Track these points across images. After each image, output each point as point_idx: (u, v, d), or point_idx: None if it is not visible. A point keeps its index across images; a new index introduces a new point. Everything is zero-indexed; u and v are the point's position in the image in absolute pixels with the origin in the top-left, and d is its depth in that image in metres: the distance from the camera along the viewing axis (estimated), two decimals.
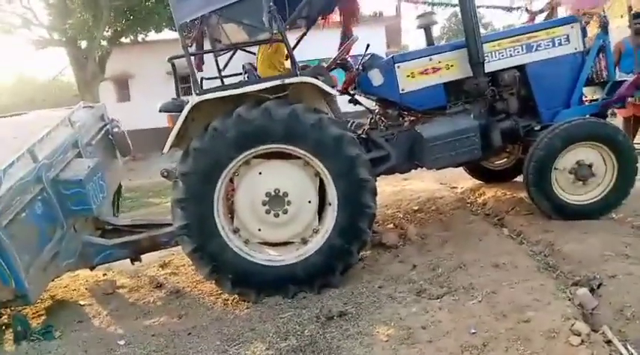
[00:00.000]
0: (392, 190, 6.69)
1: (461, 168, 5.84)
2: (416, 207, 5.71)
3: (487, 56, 4.34)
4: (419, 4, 15.45)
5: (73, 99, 16.94)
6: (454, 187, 6.49)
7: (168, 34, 18.89)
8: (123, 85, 21.58)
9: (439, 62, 4.43)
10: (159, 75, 20.02)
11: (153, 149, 11.26)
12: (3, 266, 3.36)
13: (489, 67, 4.40)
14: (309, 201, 3.84)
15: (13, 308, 4.01)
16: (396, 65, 4.44)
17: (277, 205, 3.78)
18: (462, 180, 6.42)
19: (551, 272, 3.48)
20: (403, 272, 3.92)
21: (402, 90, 4.45)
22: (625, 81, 4.64)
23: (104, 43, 17.86)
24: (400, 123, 4.63)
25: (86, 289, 4.68)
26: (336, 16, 5.27)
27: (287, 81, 3.74)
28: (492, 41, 4.47)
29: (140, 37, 19.59)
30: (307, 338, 3.01)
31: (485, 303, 3.14)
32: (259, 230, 3.85)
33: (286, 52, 4.16)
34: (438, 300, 3.34)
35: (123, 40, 19.04)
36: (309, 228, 3.87)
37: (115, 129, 5.25)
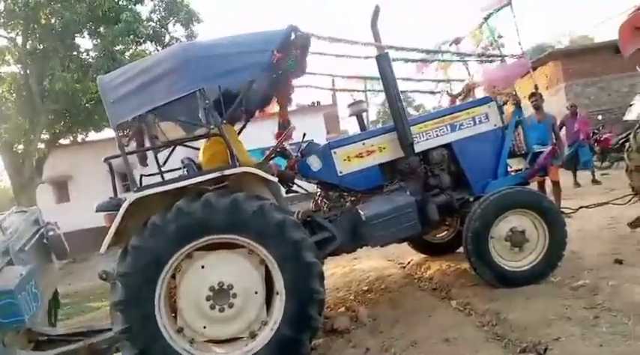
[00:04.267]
0: (342, 272, 6.68)
1: (406, 244, 5.96)
2: (365, 288, 5.69)
3: (416, 137, 4.64)
4: (354, 92, 16.42)
5: (9, 204, 16.21)
6: (401, 263, 6.56)
7: (107, 132, 18.92)
8: (62, 186, 21.04)
9: (372, 145, 4.69)
10: (98, 174, 19.56)
11: (93, 250, 10.75)
12: None
13: (419, 147, 4.69)
14: (256, 292, 3.75)
15: None
16: (333, 150, 4.65)
17: (222, 299, 3.67)
18: (408, 255, 6.51)
19: (499, 342, 3.49)
20: None
21: (340, 172, 4.63)
22: (542, 151, 5.06)
23: (41, 145, 17.58)
24: (342, 204, 4.75)
25: None
26: (273, 107, 5.52)
27: (227, 172, 3.79)
28: (419, 123, 4.80)
29: (80, 138, 19.50)
30: None
31: None
32: (204, 327, 3.69)
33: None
34: None
35: (62, 141, 18.86)
36: (257, 320, 3.75)
37: (51, 233, 5.03)
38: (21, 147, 17.41)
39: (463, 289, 4.71)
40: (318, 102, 21.16)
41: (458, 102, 5.67)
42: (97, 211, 4.00)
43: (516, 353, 3.24)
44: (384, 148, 4.69)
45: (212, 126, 3.90)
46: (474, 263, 4.44)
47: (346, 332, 4.34)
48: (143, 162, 4.72)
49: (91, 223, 14.24)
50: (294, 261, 3.67)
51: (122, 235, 3.72)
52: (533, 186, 6.24)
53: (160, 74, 3.83)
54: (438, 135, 4.80)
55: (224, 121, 4.13)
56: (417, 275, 5.80)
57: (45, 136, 17.74)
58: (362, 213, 4.39)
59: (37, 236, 4.88)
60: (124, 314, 3.50)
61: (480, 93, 5.75)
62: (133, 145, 4.55)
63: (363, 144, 4.68)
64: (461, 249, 5.67)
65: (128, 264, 3.53)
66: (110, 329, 4.12)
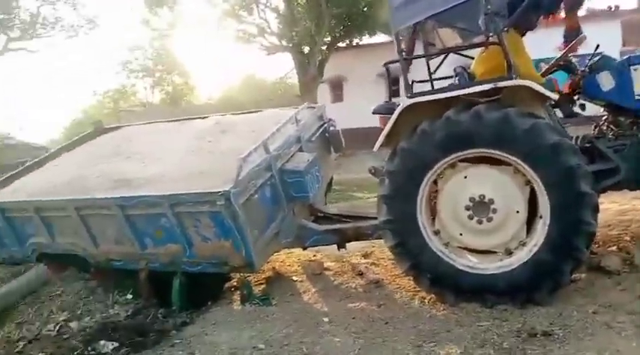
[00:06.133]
0: (618, 209, 5.88)
1: None
2: None
3: None
4: None
5: (294, 100, 19.00)
6: None
7: (378, 37, 19.76)
8: (337, 87, 23.23)
9: None
10: (369, 77, 21.07)
11: (360, 147, 11.88)
12: (237, 237, 4.05)
13: None
14: (517, 211, 3.67)
15: (241, 274, 4.79)
16: (632, 67, 3.92)
17: (481, 212, 3.72)
18: None
19: None
20: (624, 302, 3.46)
21: (639, 95, 3.90)
22: None
23: (323, 48, 19.54)
24: (634, 133, 4.07)
25: (298, 266, 5.28)
26: (560, 13, 4.86)
27: (500, 84, 3.63)
28: None
29: (354, 42, 20.90)
30: (505, 351, 2.93)
31: None
32: (460, 234, 3.84)
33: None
34: None
35: (339, 44, 20.58)
36: (515, 239, 3.70)
37: (331, 128, 5.79)
38: (307, 48, 19.73)
39: None
40: (617, 7, 17.50)
41: None
42: (373, 113, 4.38)
43: None
44: None
45: (491, 34, 3.70)
46: None
47: (616, 274, 3.92)
48: (406, 69, 4.83)
49: (360, 123, 15.66)
50: (565, 188, 3.42)
51: (393, 137, 4.01)
52: None
53: None
54: None
55: (505, 29, 3.86)
56: None
57: (326, 39, 19.61)
58: None
59: (321, 130, 5.68)
60: (388, 208, 3.89)
61: None
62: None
63: None
64: None
65: (396, 164, 3.83)
66: (375, 218, 4.68)
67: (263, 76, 38.86)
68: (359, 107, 18.38)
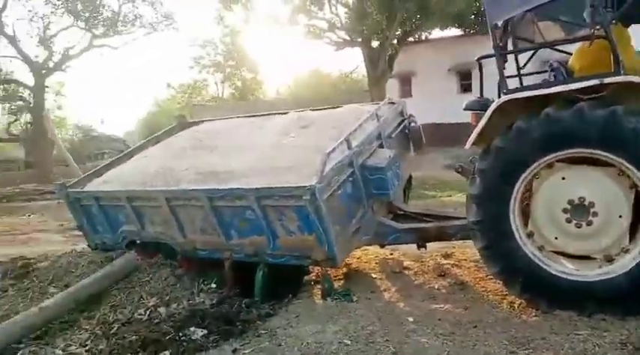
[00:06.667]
0: None
1: None
2: None
3: None
4: None
5: (363, 94, 18.93)
6: None
7: (449, 31, 19.22)
8: (406, 82, 22.90)
9: None
10: (438, 72, 20.59)
11: (429, 144, 11.69)
12: (320, 231, 4.08)
13: None
14: (620, 216, 3.45)
15: (322, 268, 4.81)
16: None
17: (580, 215, 3.53)
18: None
19: None
20: None
21: None
22: None
23: (394, 42, 19.27)
24: None
25: (376, 264, 5.25)
26: None
27: (607, 80, 3.41)
28: None
29: (424, 36, 20.46)
30: None
31: None
32: (556, 238, 3.66)
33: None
34: None
35: (409, 39, 20.22)
36: (617, 245, 3.49)
37: (412, 124, 5.69)
38: (376, 42, 19.54)
39: None
40: None
41: None
42: (464, 110, 4.24)
43: None
44: None
45: (598, 27, 3.47)
46: None
47: None
48: (501, 66, 4.63)
49: (430, 118, 15.39)
50: None
51: (484, 135, 3.87)
52: None
53: None
54: None
55: (614, 21, 3.61)
56: None
57: (397, 33, 19.33)
58: None
59: (402, 126, 5.60)
60: (479, 208, 3.77)
61: None
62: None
63: None
64: None
65: (489, 163, 3.70)
66: (458, 218, 4.56)
67: (328, 70, 39.05)
68: (428, 102, 18.15)
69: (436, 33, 21.30)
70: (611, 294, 3.37)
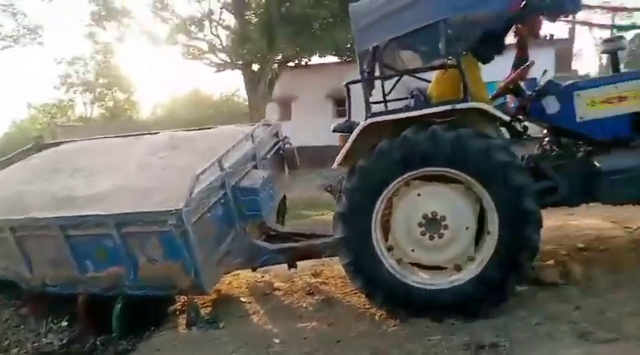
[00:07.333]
0: (552, 225, 6.15)
1: (637, 207, 5.17)
2: (581, 245, 5.18)
3: None
4: (593, 27, 14.19)
5: (244, 117, 18.83)
6: (628, 227, 5.75)
7: (328, 58, 20.07)
8: (286, 106, 23.32)
9: (627, 91, 4.04)
10: (318, 97, 21.32)
11: (307, 166, 11.96)
12: (187, 258, 3.89)
13: None
14: (467, 228, 3.77)
15: (189, 296, 4.59)
16: (576, 93, 4.16)
17: (433, 228, 3.78)
18: (637, 220, 5.67)
19: None
20: (564, 312, 3.62)
21: (581, 118, 4.13)
22: None
23: (274, 66, 19.57)
24: (573, 153, 4.30)
25: (246, 288, 5.15)
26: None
27: (458, 106, 3.74)
28: None
29: (304, 61, 21.09)
30: None
31: None
32: (412, 251, 3.88)
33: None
34: (606, 345, 3.05)
35: (289, 64, 20.70)
36: (464, 255, 3.80)
37: (287, 145, 5.77)
38: (257, 66, 19.70)
39: None
40: (552, 36, 18.63)
41: None
42: (333, 131, 4.39)
43: None
44: None
45: (450, 57, 3.83)
46: None
47: (554, 286, 4.10)
48: (369, 90, 4.90)
49: (307, 141, 15.81)
50: (513, 205, 3.55)
51: (351, 155, 4.01)
52: None
53: (408, 2, 3.83)
54: None
55: (464, 53, 4.01)
56: None
57: (277, 58, 19.69)
58: (598, 165, 3.93)
59: (276, 147, 5.64)
60: (344, 225, 3.88)
61: None
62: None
63: (616, 88, 4.06)
64: None
65: (354, 182, 3.85)
66: (327, 236, 4.66)
67: (208, 92, 38.34)
68: (306, 125, 18.65)
69: (316, 59, 22.09)
70: (460, 300, 3.65)
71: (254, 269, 5.11)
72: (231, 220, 4.45)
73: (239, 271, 5.22)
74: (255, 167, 4.92)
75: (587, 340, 3.15)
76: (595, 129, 4.11)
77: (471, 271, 3.72)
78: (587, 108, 4.10)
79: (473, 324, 3.55)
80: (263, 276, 5.46)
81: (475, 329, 3.45)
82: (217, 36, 19.84)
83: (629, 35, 27.52)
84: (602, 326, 3.30)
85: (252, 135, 5.03)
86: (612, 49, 4.43)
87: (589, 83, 4.28)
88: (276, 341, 3.70)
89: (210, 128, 6.00)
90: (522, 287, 4.06)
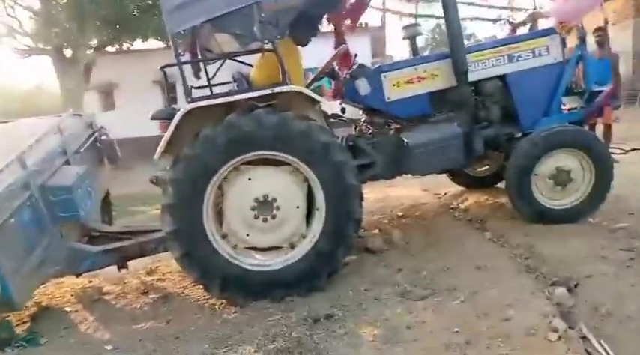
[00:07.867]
0: (376, 197, 6.80)
1: (444, 175, 5.97)
2: (400, 213, 5.81)
3: (470, 66, 4.48)
4: (403, 16, 15.80)
5: (58, 108, 16.79)
6: (437, 194, 6.61)
7: (152, 43, 18.89)
8: (108, 95, 21.47)
9: (424, 71, 4.57)
10: (143, 84, 20.00)
11: (137, 158, 11.17)
12: None
13: (473, 76, 4.55)
14: (297, 207, 3.91)
15: None
16: (383, 75, 4.57)
17: (266, 211, 3.84)
18: (444, 186, 6.55)
19: (530, 274, 3.60)
20: (388, 276, 4.01)
21: (388, 98, 4.57)
22: (601, 91, 4.83)
23: (90, 51, 17.78)
24: (386, 131, 4.74)
25: (72, 296, 4.65)
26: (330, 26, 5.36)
27: (276, 90, 3.82)
28: (476, 52, 4.63)
29: (125, 46, 19.55)
30: (295, 340, 3.05)
31: (468, 303, 3.25)
32: (247, 235, 3.90)
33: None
34: (422, 301, 3.45)
35: (108, 49, 19.00)
36: (297, 233, 3.94)
37: (104, 137, 5.28)
38: (70, 52, 17.65)
39: (499, 221, 4.78)
40: (366, 24, 20.20)
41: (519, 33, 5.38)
42: (152, 119, 4.14)
43: (547, 285, 3.34)
44: (436, 76, 4.57)
45: (266, 42, 3.87)
46: (513, 197, 4.46)
47: (379, 252, 4.52)
48: (197, 74, 4.75)
49: (135, 132, 14.77)
50: (336, 181, 3.79)
51: (174, 144, 3.84)
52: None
53: None
54: (493, 66, 4.63)
55: (278, 37, 4.08)
56: (453, 205, 5.87)
57: (92, 43, 17.88)
58: (406, 140, 4.39)
59: (92, 139, 5.13)
60: (173, 217, 3.73)
61: (543, 24, 5.43)
62: (187, 57, 4.56)
63: (415, 69, 4.57)
64: (500, 185, 5.67)
65: (179, 171, 3.70)
66: (158, 231, 4.42)
67: (17, 82, 33.37)
68: (133, 115, 17.36)
69: (139, 44, 20.59)
70: (296, 277, 3.79)
71: (79, 276, 4.62)
72: (42, 224, 3.94)
73: (62, 279, 4.69)
74: (67, 163, 4.42)
75: (407, 298, 3.53)
76: (400, 108, 4.59)
77: (304, 247, 3.88)
78: (393, 89, 4.56)
79: (310, 298, 3.72)
80: (91, 281, 4.97)
81: (312, 303, 3.62)
82: (15, 17, 17.21)
83: (429, 25, 31.21)
84: (419, 284, 3.73)
85: (59, 128, 4.50)
86: (410, 35, 4.96)
87: (393, 66, 4.74)
88: (108, 347, 3.41)
89: (6, 122, 5.21)
90: (352, 256, 4.40)
